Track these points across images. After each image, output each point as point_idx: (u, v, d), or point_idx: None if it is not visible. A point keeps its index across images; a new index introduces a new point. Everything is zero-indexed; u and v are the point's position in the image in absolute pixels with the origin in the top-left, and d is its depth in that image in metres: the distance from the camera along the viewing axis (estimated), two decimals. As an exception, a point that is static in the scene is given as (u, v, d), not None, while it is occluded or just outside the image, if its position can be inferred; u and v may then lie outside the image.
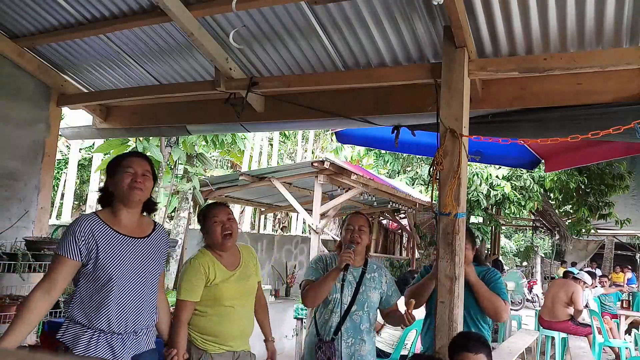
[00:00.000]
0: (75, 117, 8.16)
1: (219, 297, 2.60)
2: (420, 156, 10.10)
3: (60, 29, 3.80)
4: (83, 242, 2.13)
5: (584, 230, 9.38)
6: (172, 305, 2.76)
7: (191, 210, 8.06)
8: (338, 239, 3.05)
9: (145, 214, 2.41)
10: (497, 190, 8.09)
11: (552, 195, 9.14)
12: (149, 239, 2.33)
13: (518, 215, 9.13)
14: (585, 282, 7.39)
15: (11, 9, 3.71)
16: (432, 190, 2.88)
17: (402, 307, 3.18)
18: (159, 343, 2.50)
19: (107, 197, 2.30)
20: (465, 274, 2.72)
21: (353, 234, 2.77)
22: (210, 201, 7.92)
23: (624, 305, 8.69)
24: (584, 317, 7.25)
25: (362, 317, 2.72)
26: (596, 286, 8.84)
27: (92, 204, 16.41)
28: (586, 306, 7.91)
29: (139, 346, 2.27)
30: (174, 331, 2.53)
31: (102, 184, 2.38)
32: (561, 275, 8.80)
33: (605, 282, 9.65)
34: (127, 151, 2.41)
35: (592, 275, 9.16)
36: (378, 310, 2.90)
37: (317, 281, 2.70)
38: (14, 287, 4.20)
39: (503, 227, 14.78)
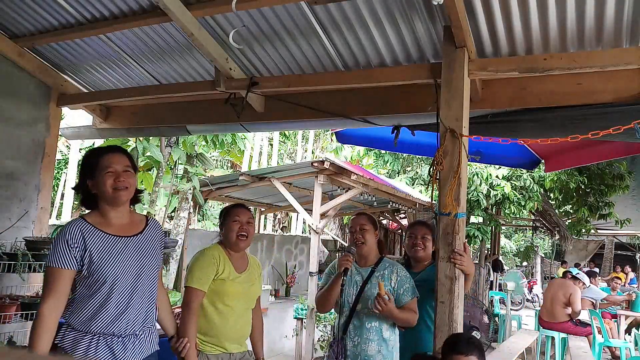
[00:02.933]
0: (75, 117, 8.16)
1: (222, 293, 2.62)
2: (420, 156, 10.09)
3: (60, 29, 3.80)
4: (76, 249, 2.06)
5: (584, 230, 9.37)
6: (172, 305, 2.77)
7: (191, 210, 8.05)
8: (338, 239, 3.06)
9: (133, 207, 2.33)
10: (497, 190, 8.08)
11: (552, 195, 9.13)
12: (142, 235, 2.26)
13: (518, 215, 9.12)
14: (584, 283, 7.36)
15: (11, 9, 3.71)
16: (432, 190, 2.88)
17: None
18: (162, 343, 2.45)
19: (89, 198, 2.19)
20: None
21: (355, 235, 2.78)
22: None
23: (624, 306, 8.69)
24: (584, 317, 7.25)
25: (368, 314, 2.70)
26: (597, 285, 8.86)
27: (92, 204, 16.42)
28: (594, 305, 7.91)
29: (143, 348, 2.21)
30: (184, 320, 2.51)
31: (76, 182, 2.26)
32: (561, 275, 8.80)
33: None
34: (103, 146, 2.26)
35: (594, 274, 9.18)
36: None
37: (324, 289, 2.77)
38: (14, 287, 4.20)
39: (503, 227, 14.76)
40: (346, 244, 2.90)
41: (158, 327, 2.47)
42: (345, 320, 2.70)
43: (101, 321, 2.09)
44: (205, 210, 16.26)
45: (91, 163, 2.16)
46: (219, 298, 2.62)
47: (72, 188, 2.29)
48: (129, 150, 7.15)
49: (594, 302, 8.37)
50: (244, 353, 2.76)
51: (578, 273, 7.52)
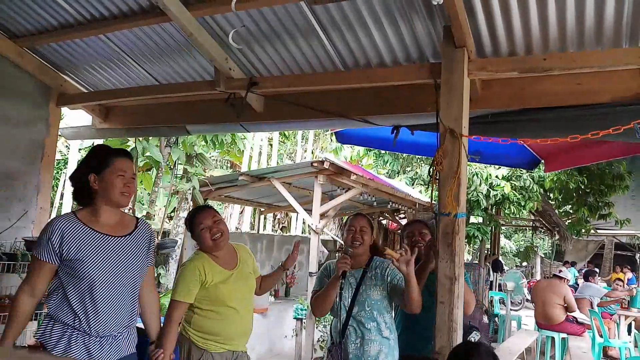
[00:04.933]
0: (74, 117, 8.16)
1: (221, 297, 2.63)
2: (420, 156, 10.09)
3: (59, 29, 3.80)
4: (58, 244, 2.09)
5: (583, 231, 9.38)
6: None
7: (191, 210, 8.05)
8: (337, 239, 3.06)
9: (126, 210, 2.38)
10: (496, 190, 8.08)
11: (551, 195, 9.13)
12: (131, 237, 2.28)
13: (518, 216, 9.13)
14: (567, 279, 7.29)
15: (11, 9, 3.71)
16: (432, 191, 2.88)
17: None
18: (144, 342, 2.48)
19: (83, 192, 2.21)
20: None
21: (355, 234, 2.78)
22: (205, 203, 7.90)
23: (623, 306, 8.69)
24: (583, 316, 7.23)
25: (366, 316, 2.69)
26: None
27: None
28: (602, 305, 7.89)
29: (119, 350, 2.22)
30: (163, 331, 2.51)
31: (75, 172, 2.28)
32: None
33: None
34: (116, 148, 2.33)
35: (593, 273, 9.19)
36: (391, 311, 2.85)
37: (320, 292, 2.74)
38: (14, 287, 4.20)
39: (503, 227, 14.77)
40: (339, 241, 2.89)
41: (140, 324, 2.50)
42: (343, 324, 2.69)
43: (81, 318, 2.11)
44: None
45: (101, 160, 2.20)
46: (220, 302, 2.64)
47: (70, 177, 2.30)
48: (128, 149, 7.16)
49: (592, 300, 8.36)
50: (245, 353, 2.79)
51: (561, 271, 7.44)
